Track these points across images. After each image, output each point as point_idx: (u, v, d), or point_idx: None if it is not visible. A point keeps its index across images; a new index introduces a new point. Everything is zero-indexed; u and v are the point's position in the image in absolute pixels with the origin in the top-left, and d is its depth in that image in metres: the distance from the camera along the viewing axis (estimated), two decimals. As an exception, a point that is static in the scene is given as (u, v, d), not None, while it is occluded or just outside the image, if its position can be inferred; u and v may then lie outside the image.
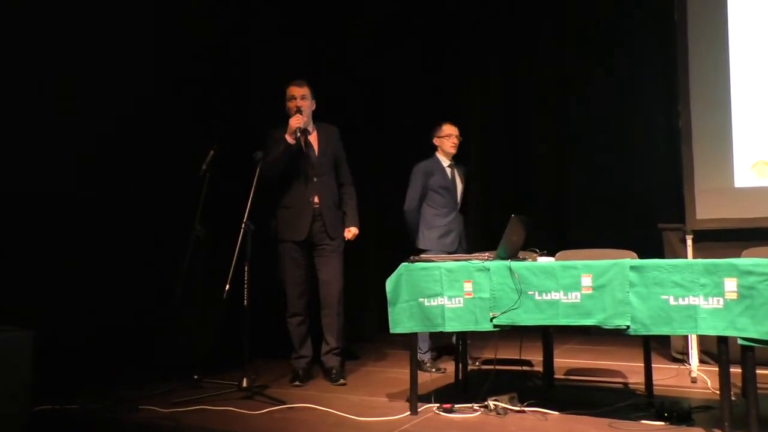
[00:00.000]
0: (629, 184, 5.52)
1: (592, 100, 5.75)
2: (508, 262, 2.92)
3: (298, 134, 3.74)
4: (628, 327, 2.70)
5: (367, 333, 5.52)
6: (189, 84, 4.38)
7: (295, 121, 3.74)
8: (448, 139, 4.36)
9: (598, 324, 2.76)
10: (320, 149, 3.92)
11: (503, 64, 6.12)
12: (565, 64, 5.93)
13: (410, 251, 3.78)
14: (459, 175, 4.40)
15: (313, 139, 3.94)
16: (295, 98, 3.84)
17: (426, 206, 4.31)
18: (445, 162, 4.39)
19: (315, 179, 3.86)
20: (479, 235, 4.91)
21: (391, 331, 3.09)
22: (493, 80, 6.16)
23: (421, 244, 4.25)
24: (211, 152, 3.75)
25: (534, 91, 6.04)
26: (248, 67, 4.96)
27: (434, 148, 4.43)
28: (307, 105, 3.87)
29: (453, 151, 4.37)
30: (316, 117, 3.98)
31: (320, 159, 3.90)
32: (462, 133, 4.43)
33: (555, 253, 3.35)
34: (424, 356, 4.24)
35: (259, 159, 3.65)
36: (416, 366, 3.12)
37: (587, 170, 5.77)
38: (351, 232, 3.95)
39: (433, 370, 4.10)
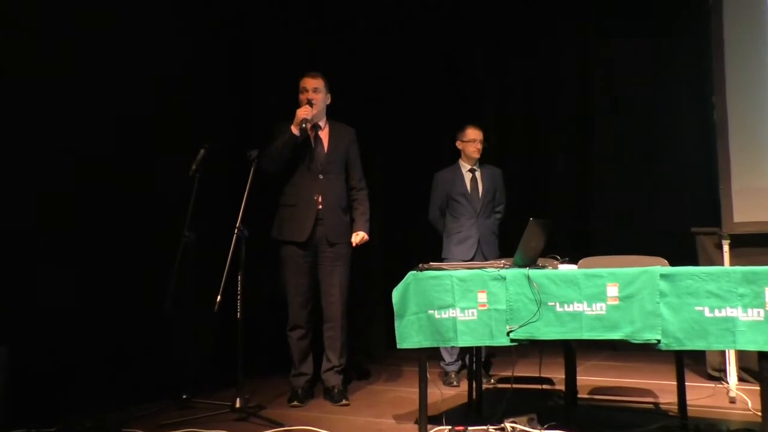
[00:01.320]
0: (659, 183, 5.51)
1: (616, 92, 5.74)
2: (526, 270, 2.91)
3: (304, 125, 3.75)
4: (659, 341, 2.69)
5: (374, 348, 5.52)
6: (179, 79, 4.39)
7: (303, 112, 3.76)
8: (472, 144, 4.42)
9: (625, 338, 2.75)
10: (330, 146, 3.94)
11: (522, 55, 6.12)
12: (588, 54, 5.93)
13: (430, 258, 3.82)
14: (482, 179, 4.42)
15: (324, 135, 3.96)
16: (307, 90, 3.87)
17: (447, 215, 4.48)
18: (466, 167, 4.46)
19: (321, 176, 3.87)
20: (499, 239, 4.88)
21: (399, 346, 3.09)
22: (512, 74, 6.17)
23: (443, 254, 4.39)
24: (202, 151, 3.76)
25: (553, 82, 6.04)
26: (246, 61, 4.97)
27: (458, 153, 4.50)
28: (320, 98, 3.89)
29: (476, 155, 4.44)
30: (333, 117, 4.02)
31: (329, 156, 3.92)
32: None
33: (578, 260, 3.34)
34: (451, 368, 4.26)
35: (254, 158, 3.66)
36: (425, 384, 3.10)
37: (613, 169, 5.75)
38: (358, 236, 3.95)
39: (459, 384, 4.16)
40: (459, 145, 4.47)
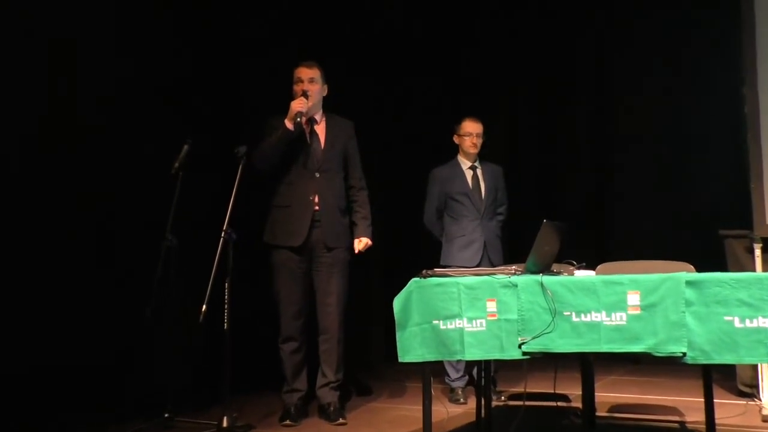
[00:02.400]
0: (685, 182, 5.49)
1: (634, 81, 5.73)
2: (539, 277, 2.89)
3: (299, 119, 3.73)
4: (685, 354, 2.67)
5: (373, 362, 5.51)
6: (163, 70, 4.38)
7: (297, 104, 3.75)
8: (468, 138, 4.39)
9: (648, 351, 2.73)
10: (327, 142, 3.93)
11: (536, 46, 6.12)
12: (606, 44, 5.93)
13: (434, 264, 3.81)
14: (484, 177, 4.40)
15: (320, 129, 3.95)
16: (303, 81, 3.86)
17: (446, 216, 4.43)
18: (465, 164, 4.44)
19: (317, 175, 3.86)
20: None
21: (400, 359, 3.07)
22: (524, 65, 6.17)
23: (442, 260, 4.34)
24: (186, 147, 3.75)
25: (570, 74, 6.04)
26: (234, 47, 4.96)
27: (456, 149, 4.48)
28: (316, 90, 3.88)
29: (473, 151, 4.41)
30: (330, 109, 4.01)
31: (326, 153, 3.90)
32: (488, 128, 4.45)
33: (595, 266, 3.32)
34: (457, 383, 4.24)
35: (242, 155, 3.65)
36: (430, 401, 3.08)
37: (633, 166, 5.74)
38: (362, 242, 3.93)
39: (466, 402, 4.16)
40: (456, 139, 4.45)
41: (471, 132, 4.38)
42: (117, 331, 3.93)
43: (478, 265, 4.18)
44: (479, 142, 4.39)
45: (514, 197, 4.72)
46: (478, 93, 6.12)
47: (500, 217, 4.51)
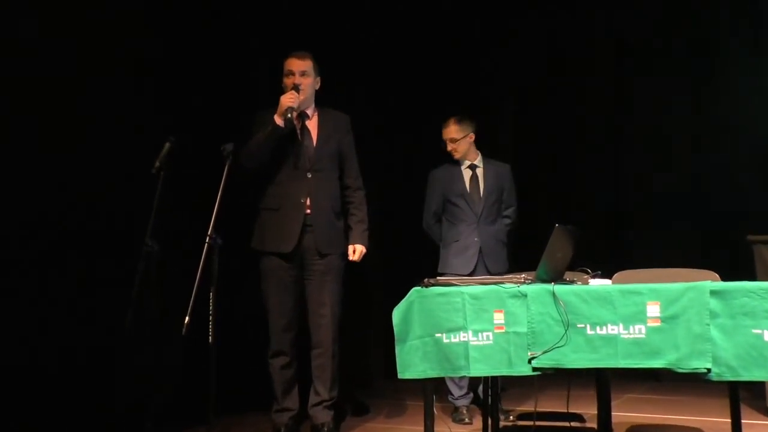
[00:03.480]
0: (709, 182, 5.49)
1: (655, 69, 5.73)
2: (550, 286, 2.89)
3: (289, 115, 3.73)
4: (709, 370, 2.67)
5: (371, 378, 5.51)
6: (142, 60, 4.38)
7: (288, 99, 3.74)
8: (445, 144, 4.42)
9: (669, 367, 2.73)
10: (320, 139, 3.92)
11: (549, 30, 6.13)
12: (624, 34, 5.94)
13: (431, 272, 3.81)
14: (485, 177, 4.40)
15: (312, 125, 3.95)
16: (294, 73, 3.86)
17: (444, 220, 4.47)
18: (465, 163, 4.42)
19: (309, 175, 3.86)
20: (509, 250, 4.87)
21: (400, 375, 3.07)
22: (533, 61, 6.18)
23: (440, 267, 4.37)
24: (168, 145, 3.73)
25: (585, 66, 6.04)
26: (219, 37, 4.96)
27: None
28: (308, 83, 3.88)
29: (455, 156, 4.43)
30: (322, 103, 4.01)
31: (319, 151, 3.90)
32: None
33: (612, 274, 3.33)
34: (461, 402, 4.24)
35: (229, 153, 3.64)
36: (432, 421, 3.08)
37: (653, 165, 5.74)
38: (356, 250, 3.92)
39: (471, 422, 4.16)
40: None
41: (444, 138, 4.43)
42: (92, 345, 3.92)
43: (471, 273, 4.19)
44: (456, 146, 4.39)
45: (522, 199, 4.71)
46: (487, 84, 6.12)
47: (507, 221, 4.50)
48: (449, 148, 4.42)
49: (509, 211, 4.52)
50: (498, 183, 4.46)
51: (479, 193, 4.39)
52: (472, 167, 4.44)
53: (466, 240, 4.33)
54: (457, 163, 4.46)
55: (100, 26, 4.15)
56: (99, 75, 4.12)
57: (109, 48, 4.18)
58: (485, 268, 4.28)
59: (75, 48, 4.02)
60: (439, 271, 4.31)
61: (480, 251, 4.31)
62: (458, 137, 4.38)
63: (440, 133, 4.47)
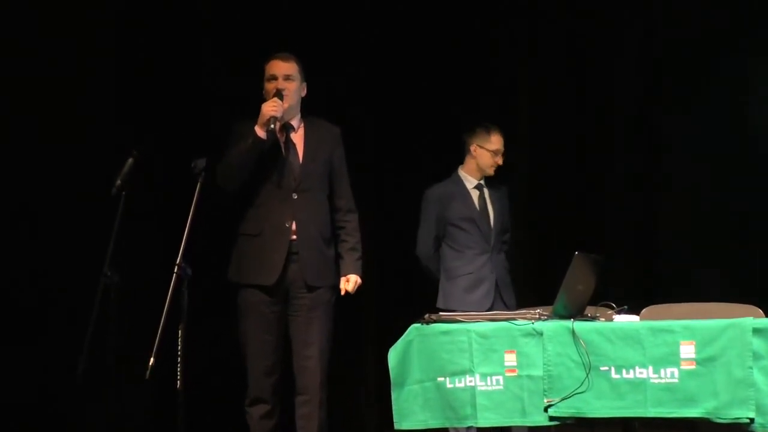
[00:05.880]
0: (751, 203, 5.50)
1: (691, 79, 5.78)
2: (570, 323, 2.91)
3: (272, 125, 3.75)
4: (753, 420, 2.69)
5: (365, 429, 5.49)
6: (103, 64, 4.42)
7: (270, 107, 3.75)
8: (493, 156, 4.40)
9: (706, 416, 2.75)
10: (307, 154, 3.93)
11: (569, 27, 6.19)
12: (656, 33, 5.99)
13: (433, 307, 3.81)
14: (491, 200, 4.41)
15: (298, 138, 3.95)
16: (277, 78, 3.86)
17: (445, 247, 4.41)
18: (471, 182, 4.43)
19: (294, 195, 3.87)
20: (522, 282, 4.87)
21: (396, 426, 3.10)
22: (552, 51, 6.23)
23: (441, 303, 4.33)
24: (130, 161, 3.75)
25: (609, 67, 6.09)
26: (191, 40, 5.01)
27: (458, 162, 4.50)
28: (293, 89, 3.88)
29: (491, 172, 4.43)
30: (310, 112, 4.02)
31: (305, 168, 3.91)
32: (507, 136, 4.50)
33: (640, 309, 3.34)
34: None
35: (201, 170, 3.65)
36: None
37: (688, 183, 5.77)
38: (350, 281, 3.93)
39: None
40: (474, 151, 4.44)
41: (499, 148, 4.41)
42: (41, 392, 3.91)
43: (489, 310, 4.17)
44: (501, 163, 4.42)
45: (535, 221, 4.73)
46: (499, 93, 6.16)
47: (505, 247, 4.52)
48: (497, 161, 4.40)
49: (506, 237, 4.54)
50: (502, 207, 4.49)
51: (489, 218, 4.41)
52: (479, 187, 4.45)
53: (480, 273, 4.33)
54: (460, 179, 4.47)
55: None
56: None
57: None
58: (503, 303, 4.28)
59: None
60: (442, 306, 4.26)
61: (496, 285, 4.32)
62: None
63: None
